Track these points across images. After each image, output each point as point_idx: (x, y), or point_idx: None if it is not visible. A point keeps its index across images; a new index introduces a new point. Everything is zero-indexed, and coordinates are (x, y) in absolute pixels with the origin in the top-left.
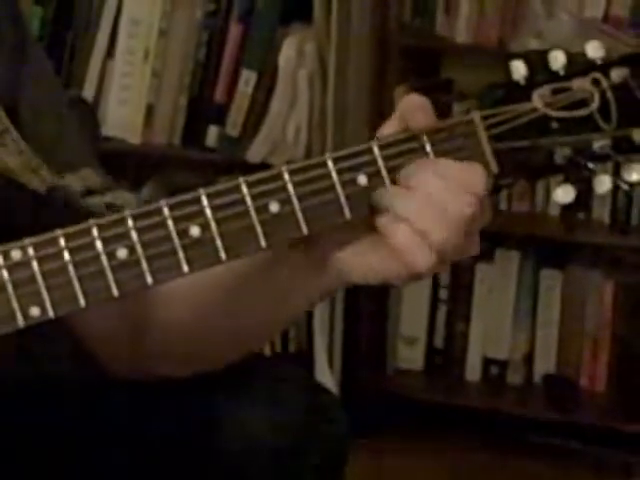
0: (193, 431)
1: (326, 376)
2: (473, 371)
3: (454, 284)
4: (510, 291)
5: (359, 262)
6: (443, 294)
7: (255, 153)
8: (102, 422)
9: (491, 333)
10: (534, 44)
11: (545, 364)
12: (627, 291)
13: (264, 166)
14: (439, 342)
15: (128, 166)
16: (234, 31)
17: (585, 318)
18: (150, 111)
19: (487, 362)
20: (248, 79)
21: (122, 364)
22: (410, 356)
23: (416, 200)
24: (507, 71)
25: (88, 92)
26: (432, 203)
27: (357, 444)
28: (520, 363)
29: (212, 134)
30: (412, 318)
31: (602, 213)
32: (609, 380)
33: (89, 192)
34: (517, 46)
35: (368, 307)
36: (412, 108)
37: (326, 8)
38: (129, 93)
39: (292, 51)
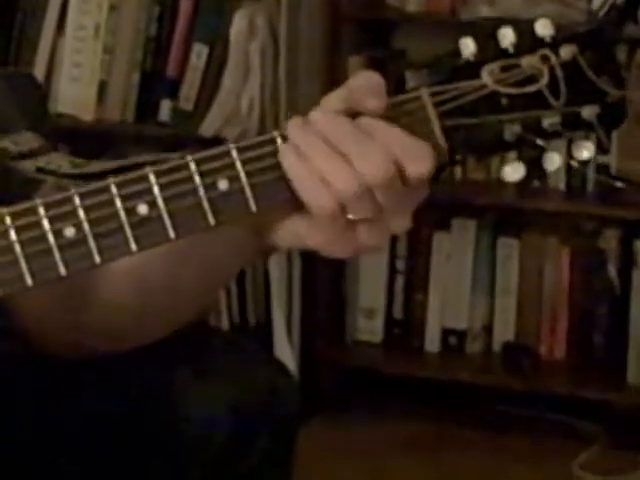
0: (148, 410)
1: (285, 349)
2: (432, 341)
3: (411, 254)
4: (467, 260)
5: (282, 225)
6: (400, 265)
7: (208, 127)
8: (51, 401)
9: (449, 303)
10: (485, 11)
11: (504, 333)
12: (584, 257)
13: (218, 140)
14: (398, 313)
15: (81, 143)
16: (185, 5)
17: (543, 285)
18: (102, 87)
19: (446, 332)
20: (200, 53)
21: (58, 342)
22: (369, 328)
23: (324, 147)
24: (457, 48)
25: (39, 70)
26: (340, 151)
27: (317, 416)
28: (479, 332)
29: (165, 109)
30: (370, 290)
31: (558, 180)
32: (568, 347)
33: (22, 156)
34: (468, 14)
35: (326, 280)
36: (363, 90)
37: None
38: (81, 70)
39: (243, 24)
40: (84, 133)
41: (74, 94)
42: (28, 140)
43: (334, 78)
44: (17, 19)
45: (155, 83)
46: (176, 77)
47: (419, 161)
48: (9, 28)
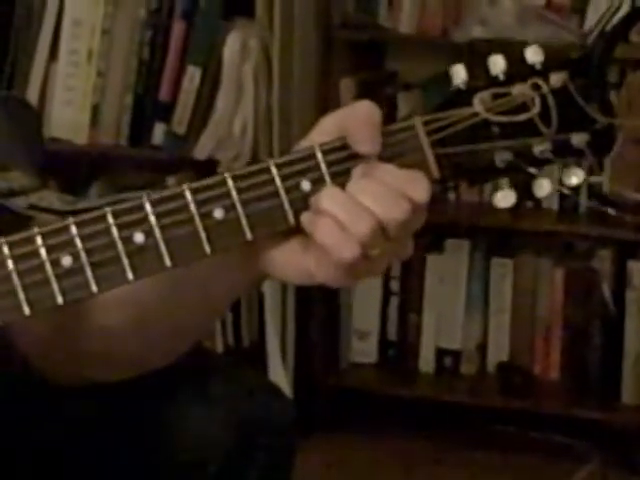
0: (147, 430)
1: (279, 372)
2: (427, 362)
3: (405, 275)
4: (461, 281)
5: (289, 262)
6: (394, 286)
7: (202, 150)
8: (50, 426)
9: (444, 323)
10: (478, 32)
11: (498, 353)
12: (577, 277)
13: (211, 163)
14: (392, 334)
15: (75, 167)
16: (177, 28)
17: (537, 306)
18: (96, 111)
19: (440, 353)
20: (193, 75)
21: (58, 371)
22: (363, 349)
23: (342, 197)
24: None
25: (32, 94)
26: (358, 201)
27: (312, 438)
28: (473, 353)
29: (158, 132)
30: (364, 311)
31: (551, 201)
32: (562, 367)
33: (13, 193)
34: (461, 35)
35: (320, 302)
36: (359, 132)
37: (268, 2)
38: (74, 94)
39: (236, 46)
40: (78, 157)
41: (67, 118)
42: (18, 177)
43: (327, 100)
44: (10, 44)
45: (148, 106)
46: (169, 100)
47: (419, 190)
48: (2, 52)
